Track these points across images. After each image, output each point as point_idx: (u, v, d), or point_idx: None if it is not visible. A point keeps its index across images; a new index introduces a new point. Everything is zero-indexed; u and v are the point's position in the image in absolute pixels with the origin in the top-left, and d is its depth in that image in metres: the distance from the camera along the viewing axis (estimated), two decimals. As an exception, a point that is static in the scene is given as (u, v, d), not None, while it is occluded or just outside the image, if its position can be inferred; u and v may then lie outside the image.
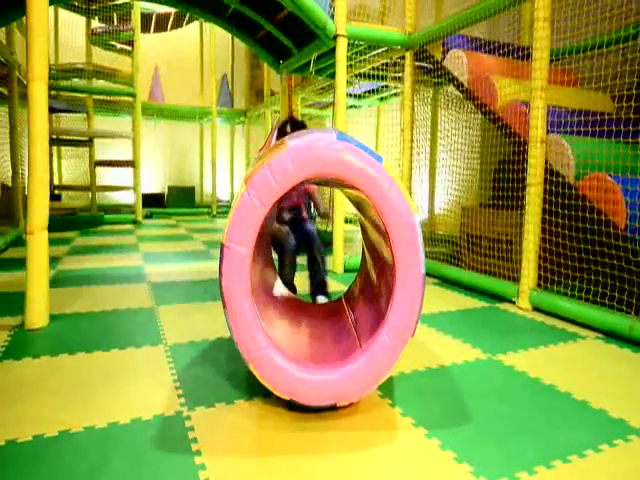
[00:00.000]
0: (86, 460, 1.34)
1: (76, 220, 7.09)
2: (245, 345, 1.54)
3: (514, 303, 3.03)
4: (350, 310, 2.21)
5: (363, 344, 1.66)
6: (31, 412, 1.61)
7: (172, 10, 8.34)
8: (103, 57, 7.79)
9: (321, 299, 2.86)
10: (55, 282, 3.43)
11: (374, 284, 2.09)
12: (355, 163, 1.51)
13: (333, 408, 1.61)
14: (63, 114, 8.26)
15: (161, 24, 9.11)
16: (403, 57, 4.24)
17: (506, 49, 3.85)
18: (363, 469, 1.32)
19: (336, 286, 3.33)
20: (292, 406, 1.63)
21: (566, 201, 2.84)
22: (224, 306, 1.53)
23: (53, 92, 7.43)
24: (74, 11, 7.36)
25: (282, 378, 1.54)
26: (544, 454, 1.40)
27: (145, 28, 8.61)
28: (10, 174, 5.63)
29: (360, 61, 4.47)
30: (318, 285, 2.94)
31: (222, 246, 1.52)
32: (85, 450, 1.39)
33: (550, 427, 1.56)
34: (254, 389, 1.79)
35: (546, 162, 2.92)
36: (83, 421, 1.55)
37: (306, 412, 1.62)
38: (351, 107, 7.01)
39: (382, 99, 6.49)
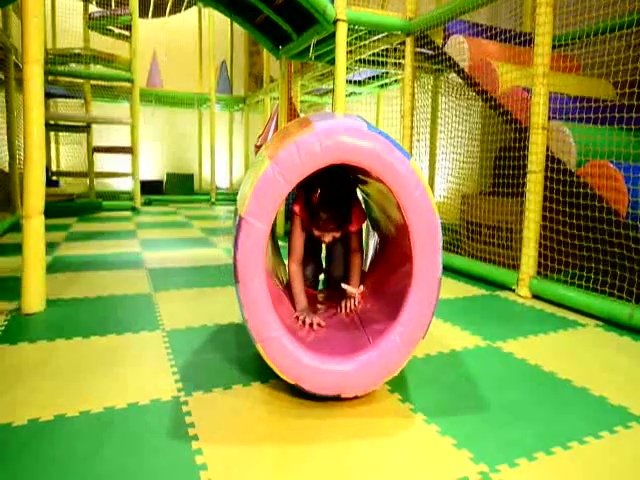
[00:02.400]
0: (82, 444, 1.33)
1: (74, 206, 7.06)
2: (254, 324, 1.50)
3: (514, 291, 3.01)
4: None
5: (371, 338, 1.63)
6: (26, 396, 1.60)
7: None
8: (101, 42, 7.72)
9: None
10: (53, 268, 3.42)
11: (384, 279, 2.06)
12: (384, 156, 1.47)
13: (337, 398, 1.60)
14: (61, 100, 8.20)
15: (159, 9, 9.03)
16: (403, 43, 4.19)
17: (508, 35, 3.80)
18: (361, 454, 1.31)
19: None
20: (293, 391, 1.63)
21: (567, 188, 2.82)
22: (236, 281, 1.48)
23: (51, 77, 7.37)
24: (71, -5, 7.29)
25: (289, 362, 1.51)
26: (544, 440, 1.39)
27: (143, 13, 8.52)
28: (7, 159, 5.59)
29: (360, 47, 4.42)
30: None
31: (240, 219, 1.46)
32: (81, 434, 1.38)
33: (550, 414, 1.56)
34: (253, 375, 1.78)
35: (547, 149, 2.90)
36: (79, 405, 1.53)
37: (307, 399, 1.61)
38: (351, 94, 6.96)
39: (382, 86, 6.45)
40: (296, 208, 1.95)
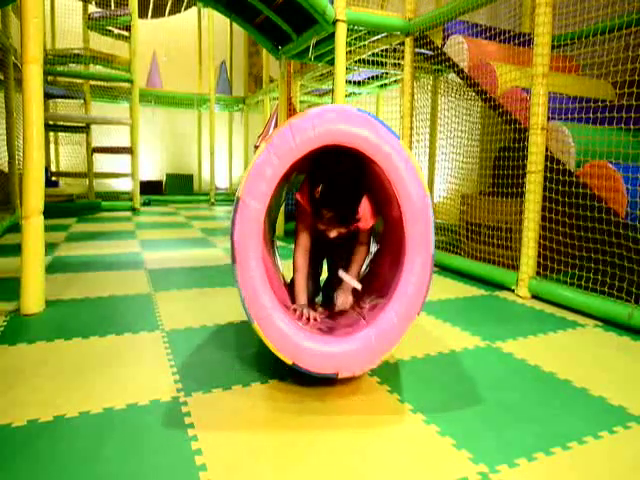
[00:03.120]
0: (81, 445, 1.33)
1: (73, 207, 7.07)
2: (251, 302, 1.52)
3: (513, 291, 3.01)
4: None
5: (367, 317, 1.64)
6: (26, 397, 1.60)
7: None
8: (100, 43, 7.72)
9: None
10: (52, 268, 3.42)
11: (378, 260, 2.06)
12: (373, 137, 1.52)
13: (334, 380, 1.60)
14: (60, 100, 8.20)
15: (159, 9, 9.03)
16: (403, 43, 4.19)
17: (507, 35, 3.81)
18: (361, 454, 1.31)
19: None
20: (292, 391, 1.63)
21: (566, 189, 2.82)
22: (233, 261, 1.51)
23: (50, 77, 7.38)
24: (71, -5, 7.29)
25: (286, 341, 1.52)
26: (543, 441, 1.39)
27: (142, 13, 8.53)
28: (7, 160, 5.59)
29: (360, 47, 4.42)
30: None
31: (237, 199, 1.50)
32: (80, 435, 1.38)
33: (549, 414, 1.56)
34: (252, 375, 1.78)
35: (547, 149, 2.90)
36: (78, 406, 1.53)
37: (305, 385, 1.62)
38: (350, 94, 6.96)
39: (382, 86, 6.45)
40: (298, 195, 1.85)
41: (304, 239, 1.93)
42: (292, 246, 1.98)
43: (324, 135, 1.51)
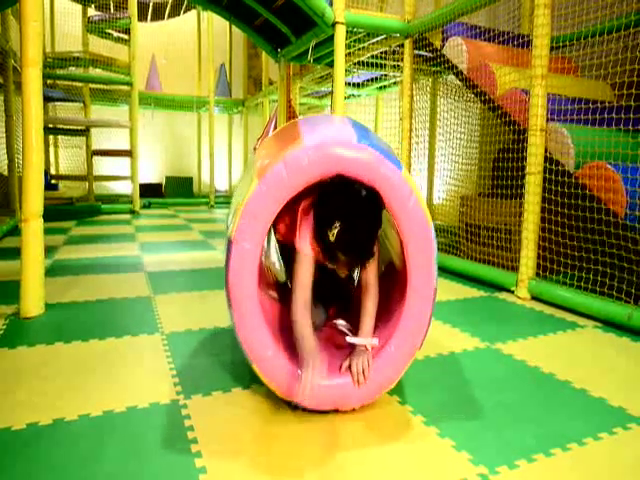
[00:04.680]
0: (81, 448, 1.33)
1: (73, 210, 7.06)
2: (249, 345, 1.50)
3: (513, 292, 3.01)
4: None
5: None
6: (25, 400, 1.60)
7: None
8: (100, 46, 7.73)
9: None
10: (52, 271, 3.42)
11: (386, 301, 2.03)
12: (375, 169, 1.42)
13: (335, 412, 1.60)
14: (60, 103, 8.21)
15: (158, 12, 9.05)
16: (402, 45, 4.20)
17: (506, 37, 3.81)
18: (361, 456, 1.31)
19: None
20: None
21: (566, 190, 2.82)
22: (229, 304, 1.48)
23: (50, 81, 7.39)
24: (70, -2, 7.31)
25: (286, 381, 1.50)
26: (543, 442, 1.39)
27: (142, 17, 8.55)
28: (6, 163, 5.59)
29: (359, 49, 4.43)
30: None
31: (230, 241, 1.45)
32: (80, 438, 1.37)
33: (549, 415, 1.55)
34: (251, 378, 1.77)
35: (546, 151, 2.90)
36: (78, 409, 1.53)
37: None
38: (350, 96, 6.97)
39: (381, 88, 6.46)
40: (303, 245, 1.55)
41: (306, 286, 1.55)
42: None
43: (321, 167, 1.40)
